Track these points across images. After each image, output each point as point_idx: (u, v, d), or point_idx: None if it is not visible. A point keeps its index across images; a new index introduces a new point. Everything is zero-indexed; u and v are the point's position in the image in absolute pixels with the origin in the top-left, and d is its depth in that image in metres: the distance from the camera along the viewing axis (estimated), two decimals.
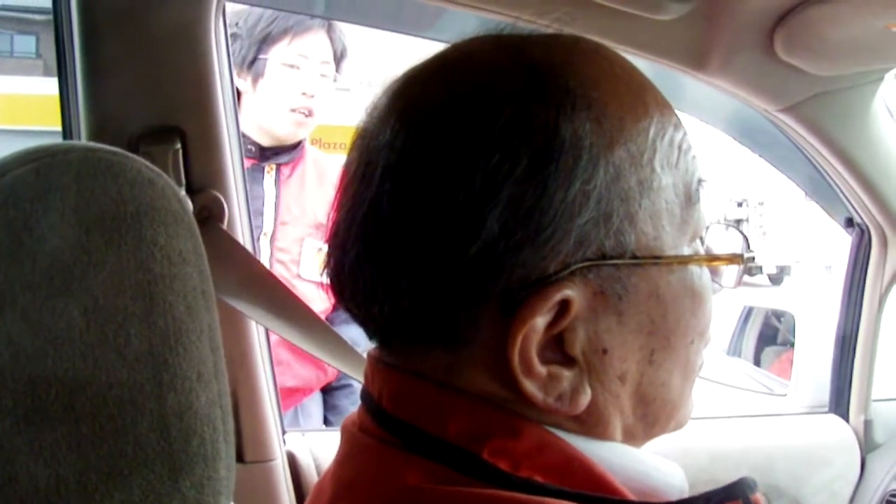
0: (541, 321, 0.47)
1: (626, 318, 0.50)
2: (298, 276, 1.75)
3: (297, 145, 1.82)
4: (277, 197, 1.78)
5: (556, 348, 0.49)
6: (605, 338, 0.49)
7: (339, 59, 1.82)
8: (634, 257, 0.49)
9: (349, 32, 1.82)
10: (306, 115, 1.78)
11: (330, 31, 1.79)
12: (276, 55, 1.74)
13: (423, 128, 0.49)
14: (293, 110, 1.76)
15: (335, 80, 1.83)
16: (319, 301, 1.64)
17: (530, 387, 0.48)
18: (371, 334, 0.54)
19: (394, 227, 0.48)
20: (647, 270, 0.50)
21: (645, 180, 0.50)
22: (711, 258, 0.55)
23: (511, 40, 0.54)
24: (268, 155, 1.78)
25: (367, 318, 0.53)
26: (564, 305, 0.48)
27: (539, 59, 0.51)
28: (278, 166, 1.79)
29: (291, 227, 1.78)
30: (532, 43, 0.53)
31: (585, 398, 0.49)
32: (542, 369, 0.48)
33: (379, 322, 0.52)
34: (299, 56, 1.75)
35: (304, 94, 1.76)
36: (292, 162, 1.81)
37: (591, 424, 0.51)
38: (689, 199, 0.52)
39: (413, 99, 0.52)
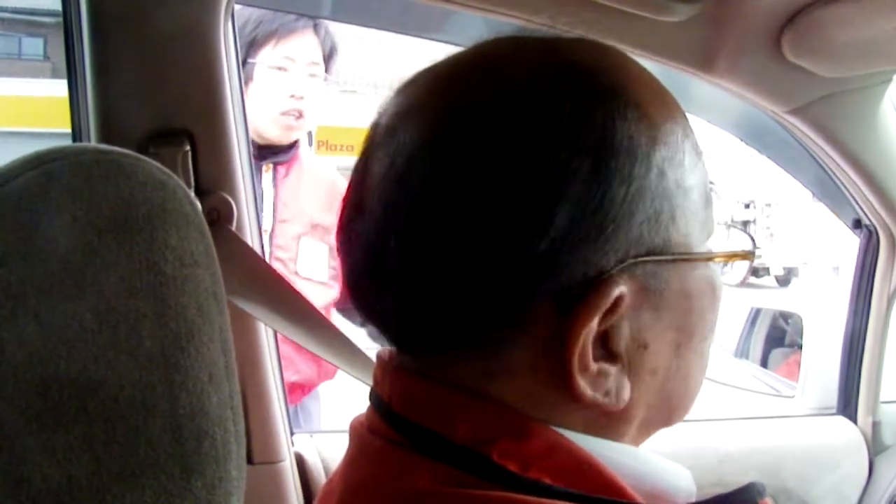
0: (596, 318, 0.48)
1: (662, 314, 0.51)
2: (296, 273, 1.77)
3: (292, 145, 1.83)
4: (276, 195, 1.80)
5: (600, 344, 0.49)
6: (646, 333, 0.50)
7: (328, 58, 1.82)
8: (672, 254, 0.50)
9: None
10: (296, 118, 1.79)
11: (318, 30, 1.79)
12: (264, 59, 1.76)
13: (482, 125, 0.48)
14: (283, 113, 1.77)
15: (326, 80, 1.84)
16: (318, 299, 1.65)
17: (583, 384, 0.48)
18: (392, 338, 0.54)
19: (453, 226, 0.47)
20: (679, 267, 0.51)
21: (679, 180, 0.51)
22: (731, 255, 0.57)
23: (545, 42, 0.54)
24: (265, 154, 1.80)
25: (398, 322, 0.51)
26: (615, 302, 0.48)
27: (577, 60, 0.51)
28: (275, 165, 1.81)
29: (289, 226, 1.80)
30: (566, 45, 0.53)
31: (627, 393, 0.50)
32: (594, 366, 0.49)
33: (413, 326, 0.51)
34: (285, 59, 1.76)
35: (292, 96, 1.77)
36: (288, 162, 1.83)
37: (621, 419, 0.52)
38: (707, 199, 0.54)
39: (462, 97, 0.50)
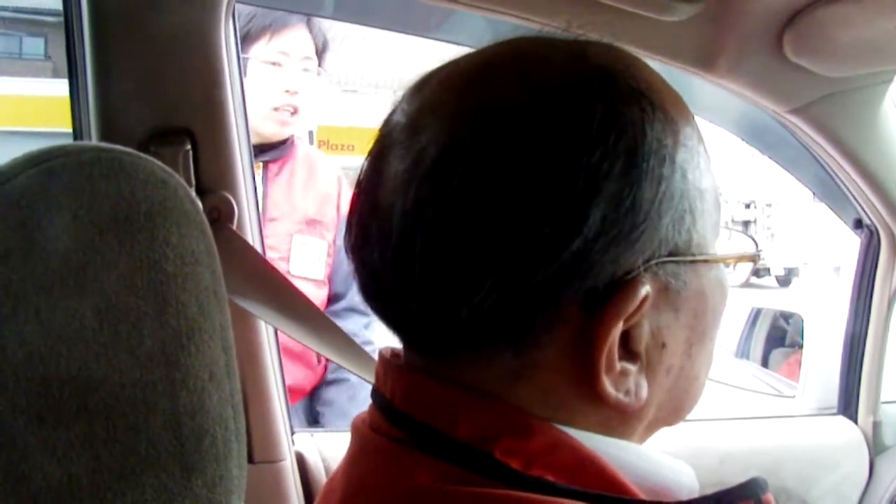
0: (623, 318, 0.48)
1: (680, 314, 0.51)
2: (289, 272, 1.74)
3: (285, 142, 1.82)
4: (265, 194, 1.78)
5: (622, 343, 0.49)
6: (665, 332, 0.51)
7: (320, 52, 1.82)
8: (693, 255, 0.51)
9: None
10: (291, 113, 1.78)
11: (310, 25, 1.78)
12: (257, 53, 1.75)
13: (519, 124, 0.48)
14: (277, 108, 1.76)
15: (319, 74, 1.83)
16: (313, 297, 1.64)
17: (608, 384, 0.49)
18: (407, 337, 0.53)
19: (486, 224, 0.46)
20: (697, 267, 0.52)
21: (697, 181, 0.51)
22: (740, 256, 0.59)
23: (571, 44, 0.53)
24: (257, 152, 1.78)
25: (418, 323, 0.50)
26: (640, 301, 0.48)
27: (604, 62, 0.51)
28: (265, 163, 1.79)
29: (280, 224, 1.77)
30: (589, 47, 0.53)
31: (645, 392, 0.50)
32: (618, 365, 0.49)
33: (435, 328, 0.50)
34: (279, 53, 1.76)
35: (287, 91, 1.76)
36: (281, 159, 1.81)
37: (634, 417, 0.52)
38: (717, 201, 0.54)
39: (496, 96, 0.49)
